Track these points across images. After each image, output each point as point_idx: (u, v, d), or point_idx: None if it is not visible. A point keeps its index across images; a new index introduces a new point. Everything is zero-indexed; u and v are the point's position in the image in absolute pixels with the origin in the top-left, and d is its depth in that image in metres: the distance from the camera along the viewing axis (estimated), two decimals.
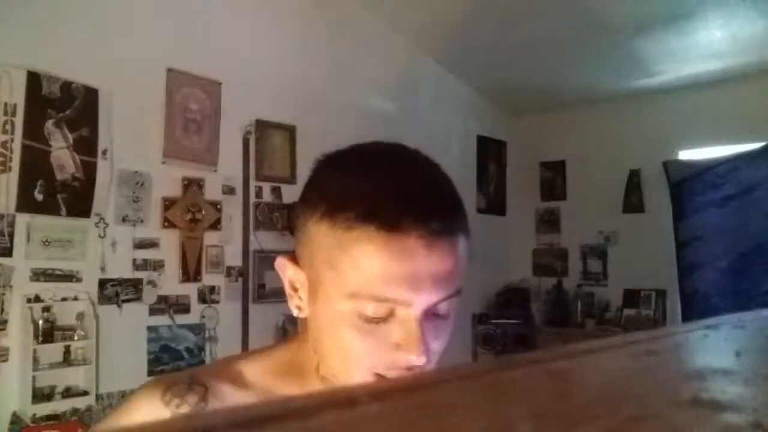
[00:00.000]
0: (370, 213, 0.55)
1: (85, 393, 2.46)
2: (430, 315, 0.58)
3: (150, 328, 2.75)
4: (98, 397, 2.50)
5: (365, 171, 0.59)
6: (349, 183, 0.58)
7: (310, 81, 3.40)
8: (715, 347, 0.32)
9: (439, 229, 0.56)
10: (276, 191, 3.29)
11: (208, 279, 2.97)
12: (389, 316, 0.57)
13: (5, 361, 2.30)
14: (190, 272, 2.90)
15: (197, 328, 2.92)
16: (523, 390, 0.22)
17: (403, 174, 0.59)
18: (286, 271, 0.64)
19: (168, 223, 2.82)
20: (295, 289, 0.64)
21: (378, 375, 0.58)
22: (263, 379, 0.66)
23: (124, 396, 2.13)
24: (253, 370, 0.66)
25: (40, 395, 2.35)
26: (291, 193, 3.26)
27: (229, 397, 0.64)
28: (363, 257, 0.55)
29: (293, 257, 0.64)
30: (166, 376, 0.69)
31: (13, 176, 2.31)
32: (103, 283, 2.59)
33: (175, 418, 0.16)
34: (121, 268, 2.65)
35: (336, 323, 0.58)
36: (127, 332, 2.67)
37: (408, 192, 0.57)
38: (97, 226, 2.58)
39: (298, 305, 0.64)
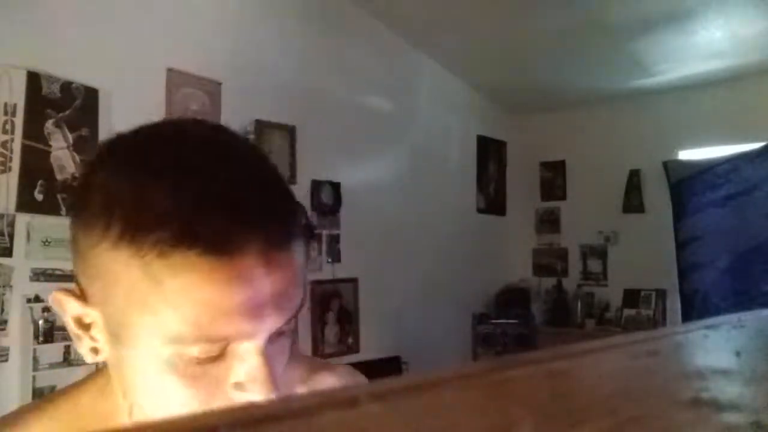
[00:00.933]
0: (189, 231, 0.41)
1: None
2: (272, 338, 0.46)
3: None
4: None
5: (172, 170, 0.43)
6: (152, 189, 0.42)
7: (310, 81, 3.40)
8: (715, 347, 0.32)
9: (280, 240, 0.44)
10: None
11: None
12: (223, 353, 0.44)
13: (5, 361, 2.30)
14: None
15: None
16: (523, 390, 0.22)
17: (223, 169, 0.44)
18: (68, 310, 0.47)
19: None
20: (86, 327, 0.47)
21: None
22: None
23: None
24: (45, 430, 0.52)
25: (40, 395, 2.35)
26: None
27: None
28: (185, 291, 0.41)
29: (77, 290, 0.47)
30: None
31: (13, 176, 2.31)
32: None
33: (174, 418, 0.16)
34: None
35: (152, 372, 0.44)
36: None
37: (235, 195, 0.43)
38: None
39: (92, 347, 0.48)
